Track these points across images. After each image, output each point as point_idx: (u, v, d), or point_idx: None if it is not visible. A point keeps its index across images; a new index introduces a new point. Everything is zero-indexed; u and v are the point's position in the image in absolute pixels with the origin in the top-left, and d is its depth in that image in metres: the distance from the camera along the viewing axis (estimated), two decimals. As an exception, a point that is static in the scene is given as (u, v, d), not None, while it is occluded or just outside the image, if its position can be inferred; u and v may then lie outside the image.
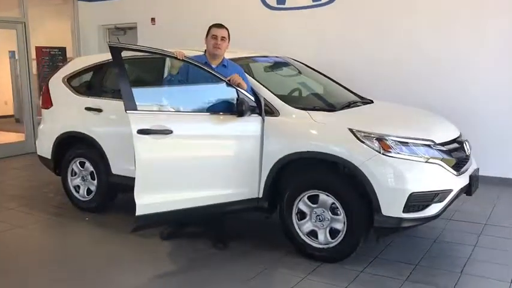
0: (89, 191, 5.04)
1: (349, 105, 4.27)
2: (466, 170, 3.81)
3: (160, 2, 8.38)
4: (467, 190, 3.78)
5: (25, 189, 6.16)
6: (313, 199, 3.70)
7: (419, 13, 6.19)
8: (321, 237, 3.70)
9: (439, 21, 6.06)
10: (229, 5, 7.69)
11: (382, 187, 3.40)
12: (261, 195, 3.88)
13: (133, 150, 3.46)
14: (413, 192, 3.37)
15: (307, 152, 3.64)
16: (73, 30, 9.17)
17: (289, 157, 3.72)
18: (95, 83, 5.04)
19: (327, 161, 3.68)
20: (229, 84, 3.74)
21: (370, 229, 3.59)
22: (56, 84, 5.24)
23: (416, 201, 3.41)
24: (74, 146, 5.08)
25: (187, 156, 3.63)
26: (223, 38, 3.89)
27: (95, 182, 4.94)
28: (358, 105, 4.34)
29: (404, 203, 3.38)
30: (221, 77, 3.76)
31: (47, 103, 5.27)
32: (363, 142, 3.48)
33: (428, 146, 3.57)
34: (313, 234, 3.74)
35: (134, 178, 4.46)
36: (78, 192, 5.11)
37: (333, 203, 3.61)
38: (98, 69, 5.04)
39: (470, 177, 3.81)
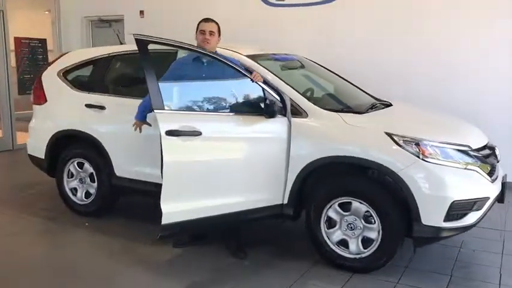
0: (87, 194, 4.68)
1: (372, 107, 4.08)
2: (497, 177, 3.69)
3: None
4: (500, 198, 3.65)
5: (9, 190, 5.72)
6: (345, 206, 3.50)
7: (426, 13, 6.10)
8: (352, 246, 3.50)
9: (447, 22, 5.98)
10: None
11: (423, 195, 3.22)
12: (285, 202, 3.65)
13: (156, 152, 3.22)
14: (455, 200, 3.21)
15: (341, 156, 3.43)
16: (54, 21, 8.67)
17: (319, 162, 3.50)
18: (96, 78, 4.67)
19: (355, 166, 3.49)
20: (253, 81, 3.50)
21: (404, 238, 3.42)
22: (51, 78, 4.85)
23: (457, 209, 3.25)
24: (71, 145, 4.71)
25: (216, 160, 3.37)
26: (211, 33, 3.69)
27: (95, 184, 4.59)
28: (381, 108, 4.15)
29: (445, 211, 3.22)
30: (245, 73, 3.51)
31: (40, 99, 4.87)
32: (401, 147, 3.29)
33: (466, 151, 3.42)
34: (343, 243, 3.54)
35: (140, 181, 4.27)
36: (75, 195, 4.74)
37: (367, 211, 3.42)
38: (99, 63, 4.67)
39: (502, 184, 3.69)
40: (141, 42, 3.23)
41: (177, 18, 7.65)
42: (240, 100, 3.60)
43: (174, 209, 3.16)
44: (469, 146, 3.46)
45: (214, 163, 3.37)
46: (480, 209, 3.38)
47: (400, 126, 3.50)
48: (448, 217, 3.24)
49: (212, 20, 3.78)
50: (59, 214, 4.73)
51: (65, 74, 4.79)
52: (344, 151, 3.42)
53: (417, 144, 3.29)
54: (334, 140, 3.49)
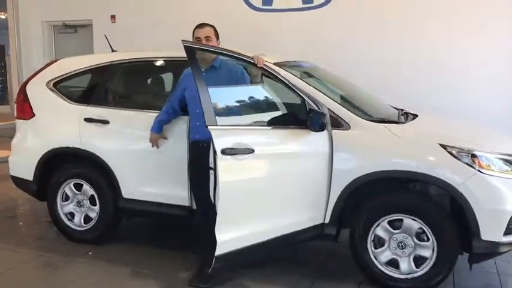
0: (87, 219, 4.18)
1: (404, 116, 3.90)
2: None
3: (122, -4, 7.51)
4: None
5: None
6: (394, 224, 3.28)
7: (414, 16, 6.08)
8: (403, 266, 3.29)
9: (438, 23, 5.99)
10: (205, 4, 7.06)
11: (482, 209, 3.06)
12: (327, 221, 3.38)
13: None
14: (516, 213, 3.08)
15: (393, 171, 3.21)
16: (12, 25, 7.94)
17: (367, 177, 3.25)
18: (96, 89, 4.18)
19: (396, 181, 3.30)
20: (297, 94, 3.22)
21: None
22: (38, 90, 4.32)
23: (515, 223, 3.12)
24: (67, 165, 4.20)
25: (267, 179, 3.07)
26: (207, 38, 3.39)
27: (96, 207, 4.10)
28: (411, 117, 3.97)
29: (505, 225, 3.08)
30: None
31: (26, 113, 4.32)
32: (458, 159, 3.12)
33: (512, 161, 3.31)
34: (392, 263, 3.32)
35: (153, 203, 3.85)
36: (71, 220, 4.23)
37: (420, 228, 3.22)
38: (98, 72, 4.19)
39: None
40: (190, 50, 2.84)
41: (151, 23, 7.23)
42: (282, 112, 3.30)
43: (229, 236, 2.81)
44: (516, 155, 3.35)
45: (265, 182, 3.06)
46: (533, 222, 3.26)
47: (450, 137, 3.33)
48: (508, 231, 3.10)
49: (206, 24, 3.49)
50: (55, 243, 4.20)
51: (56, 84, 4.27)
52: (397, 165, 3.20)
53: (473, 156, 3.13)
54: (384, 153, 3.26)
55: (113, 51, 4.71)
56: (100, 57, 4.28)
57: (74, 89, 4.31)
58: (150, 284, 3.45)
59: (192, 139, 3.44)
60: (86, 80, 4.30)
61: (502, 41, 5.85)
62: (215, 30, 3.44)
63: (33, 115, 4.28)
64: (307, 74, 4.19)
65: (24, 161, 4.34)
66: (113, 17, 7.58)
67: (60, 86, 4.28)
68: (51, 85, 4.28)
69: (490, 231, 3.08)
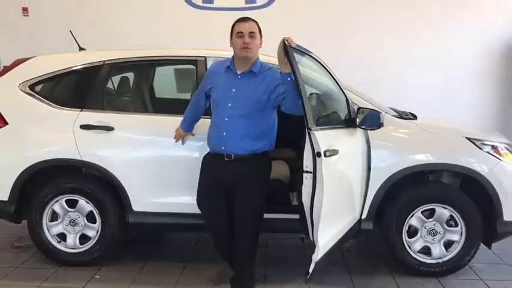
0: (83, 238, 3.69)
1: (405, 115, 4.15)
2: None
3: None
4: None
5: None
6: (426, 213, 3.52)
7: (357, 16, 6.44)
8: (435, 251, 3.55)
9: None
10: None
11: (506, 193, 3.45)
12: (364, 216, 3.49)
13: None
14: (528, 195, 3.53)
15: (429, 164, 3.44)
16: None
17: (404, 172, 3.43)
18: (89, 92, 3.67)
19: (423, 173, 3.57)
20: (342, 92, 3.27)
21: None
22: (9, 94, 3.69)
23: (528, 204, 3.57)
24: (55, 179, 3.66)
25: (346, 178, 3.11)
26: (252, 34, 3.02)
27: (96, 225, 3.65)
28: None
29: (523, 207, 3.51)
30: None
31: (-6, 121, 3.65)
32: (483, 150, 3.46)
33: (514, 149, 3.77)
34: (424, 250, 3.56)
35: (165, 213, 3.58)
36: (61, 242, 3.69)
37: (450, 215, 3.51)
38: (89, 72, 3.70)
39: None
40: (290, 50, 2.69)
41: (74, 18, 6.53)
42: (331, 111, 3.31)
43: (324, 239, 2.75)
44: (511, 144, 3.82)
45: (346, 181, 3.10)
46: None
47: (471, 131, 3.67)
48: (523, 212, 3.54)
49: (250, 19, 3.13)
50: (49, 268, 3.65)
51: (33, 87, 3.68)
52: (432, 158, 3.44)
53: (494, 147, 3.50)
54: (419, 148, 3.47)
55: (80, 49, 4.22)
56: (89, 56, 3.78)
57: (57, 91, 3.76)
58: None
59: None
60: (73, 81, 3.77)
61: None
62: (259, 28, 3.11)
63: (5, 123, 3.64)
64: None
65: (-5, 179, 3.67)
66: (24, 9, 6.66)
67: (39, 88, 3.70)
68: (27, 88, 3.68)
69: (510, 212, 3.49)
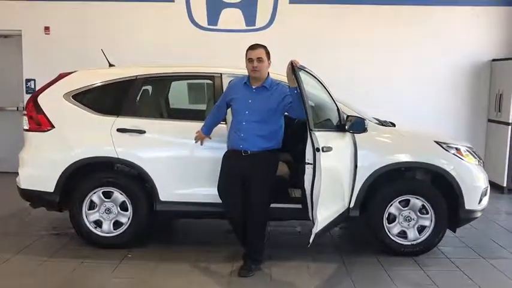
0: (116, 224, 4.39)
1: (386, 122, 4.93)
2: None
3: (58, 8, 7.35)
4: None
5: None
6: (403, 203, 4.29)
7: (351, 38, 7.28)
8: (410, 235, 4.31)
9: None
10: (148, 20, 7.37)
11: (467, 186, 4.24)
12: (352, 205, 4.24)
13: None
14: (483, 188, 4.33)
15: (406, 162, 4.23)
16: None
17: (385, 169, 4.20)
18: (125, 101, 4.41)
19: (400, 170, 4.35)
20: (333, 101, 4.05)
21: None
22: (55, 102, 4.40)
23: (483, 195, 4.36)
24: (95, 174, 4.37)
25: (338, 171, 3.88)
26: (259, 59, 3.79)
27: (128, 213, 4.35)
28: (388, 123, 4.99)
29: (479, 197, 4.31)
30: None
31: (42, 124, 4.35)
32: (448, 151, 4.26)
33: (473, 152, 4.55)
34: (401, 234, 4.32)
35: (187, 203, 4.30)
36: (97, 227, 4.38)
37: (422, 204, 4.28)
38: (123, 85, 4.43)
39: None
40: (296, 70, 3.51)
41: (90, 38, 7.26)
42: (323, 117, 4.10)
43: (321, 216, 3.51)
44: (472, 148, 4.62)
45: (336, 172, 3.85)
46: (487, 195, 4.54)
47: (439, 136, 4.47)
48: (479, 201, 4.33)
49: (259, 46, 3.88)
50: (87, 249, 4.35)
51: (76, 97, 4.40)
52: (408, 158, 4.23)
53: (457, 149, 4.31)
54: (398, 149, 4.26)
55: (110, 65, 4.95)
56: (123, 71, 4.52)
57: (97, 101, 4.46)
58: (194, 280, 3.82)
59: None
60: (110, 92, 4.49)
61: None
62: (267, 52, 3.89)
63: (53, 127, 4.34)
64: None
65: (42, 173, 4.36)
66: (46, 28, 7.37)
67: (80, 98, 4.41)
68: (71, 97, 4.39)
69: (470, 202, 4.27)
